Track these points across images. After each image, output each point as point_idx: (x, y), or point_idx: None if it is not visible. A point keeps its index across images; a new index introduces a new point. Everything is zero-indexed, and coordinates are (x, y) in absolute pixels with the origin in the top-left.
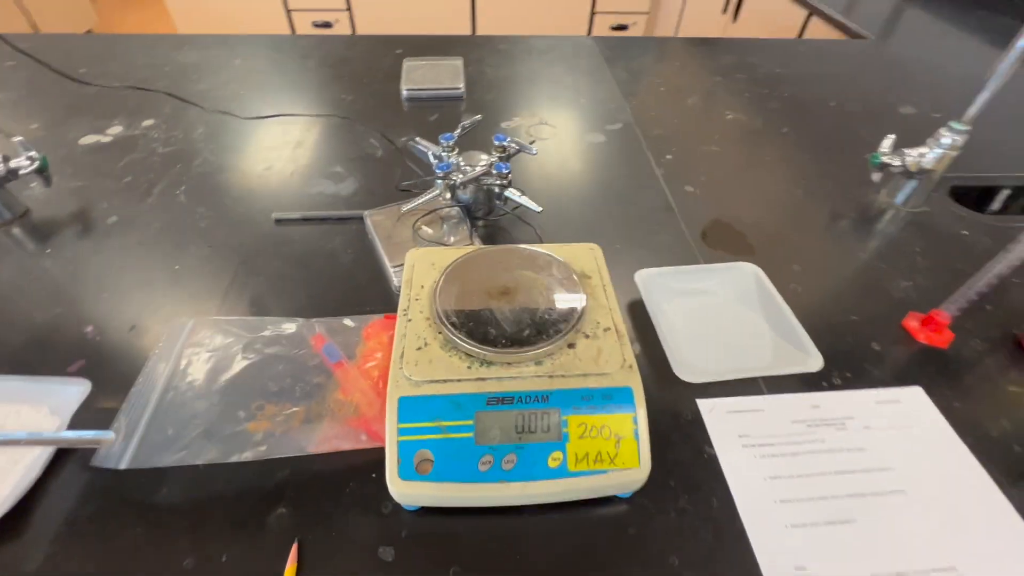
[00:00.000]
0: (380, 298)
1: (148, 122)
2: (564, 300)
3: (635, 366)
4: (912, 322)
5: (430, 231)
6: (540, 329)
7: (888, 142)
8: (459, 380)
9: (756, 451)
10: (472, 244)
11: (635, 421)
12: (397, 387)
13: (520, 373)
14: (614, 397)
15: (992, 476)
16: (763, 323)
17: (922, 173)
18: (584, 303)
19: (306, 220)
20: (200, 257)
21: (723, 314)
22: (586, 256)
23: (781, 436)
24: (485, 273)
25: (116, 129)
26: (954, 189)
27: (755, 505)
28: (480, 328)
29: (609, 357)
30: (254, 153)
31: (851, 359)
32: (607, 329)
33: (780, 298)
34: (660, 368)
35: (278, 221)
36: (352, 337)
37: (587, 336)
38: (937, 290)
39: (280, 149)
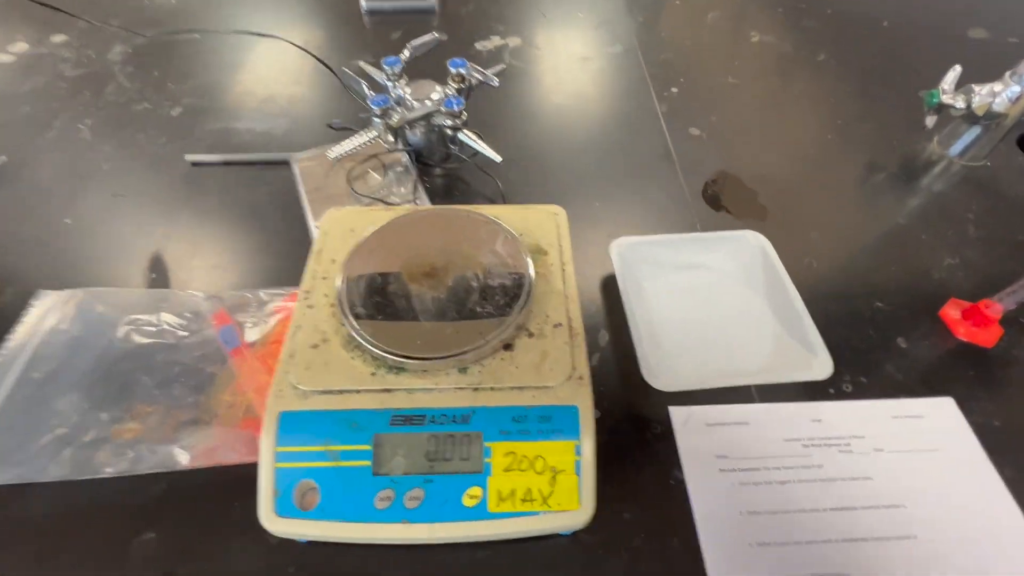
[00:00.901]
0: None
1: (59, 38)
2: (504, 286)
3: (587, 377)
4: (952, 312)
5: (370, 182)
6: (469, 325)
7: (952, 76)
8: (359, 391)
9: (735, 477)
10: (415, 201)
11: (578, 451)
12: (279, 398)
13: (437, 383)
14: (554, 419)
15: None
16: (766, 310)
17: (990, 118)
18: (530, 290)
19: (227, 164)
20: (98, 208)
21: (717, 297)
22: (546, 223)
23: (769, 458)
24: (410, 246)
25: (20, 47)
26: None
27: (725, 549)
28: (392, 322)
29: (555, 364)
30: (178, 80)
31: (869, 359)
32: (558, 325)
33: (788, 279)
34: (630, 365)
35: (195, 164)
36: (266, 316)
37: (531, 335)
38: (990, 271)
39: (209, 74)
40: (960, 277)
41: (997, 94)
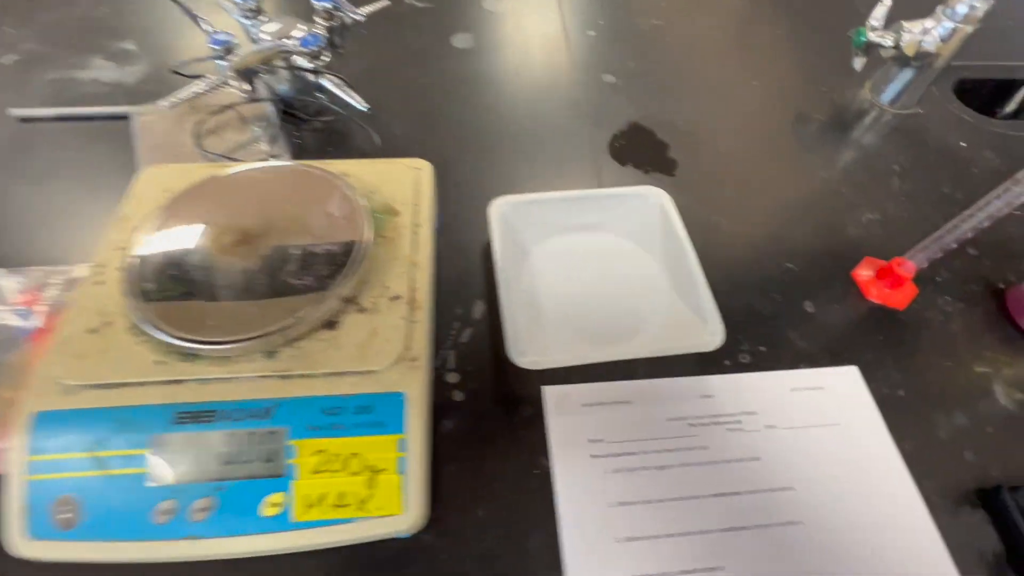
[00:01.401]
0: None
1: None
2: (331, 253)
3: (423, 358)
4: (865, 272)
5: (227, 139)
6: (282, 302)
7: (881, 11)
8: (140, 384)
9: (608, 464)
10: (272, 158)
11: (402, 447)
12: (37, 395)
13: (237, 372)
14: (376, 409)
15: (927, 499)
16: (661, 275)
17: (921, 58)
18: (361, 257)
19: (61, 120)
20: None
21: (610, 262)
22: (404, 179)
23: (649, 441)
24: (225, 210)
25: None
26: (961, 84)
27: (588, 546)
28: (188, 301)
29: (385, 344)
30: (16, 13)
31: (772, 326)
32: (396, 298)
33: (687, 240)
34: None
35: (23, 120)
36: None
37: (362, 310)
38: (911, 227)
39: (49, 11)
40: (879, 234)
41: (928, 31)
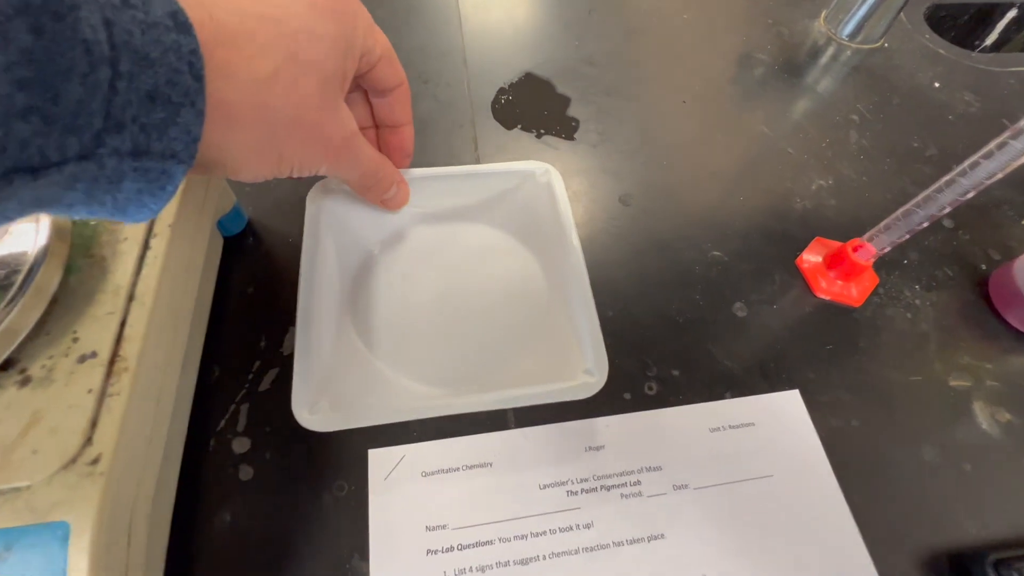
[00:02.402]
0: None
1: None
2: None
3: (109, 459)
4: (812, 259)
5: None
6: None
7: None
8: None
9: (450, 562)
10: None
11: None
12: None
13: None
14: (15, 550)
15: (886, 574)
16: (538, 281)
17: None
18: (36, 285)
19: None
20: None
21: (473, 266)
22: None
23: (511, 522)
24: None
25: None
26: (935, 11)
27: None
28: None
29: (49, 439)
30: None
31: (688, 340)
32: (87, 357)
33: (573, 231)
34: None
35: None
36: None
37: (25, 380)
38: (873, 193)
39: None
40: (831, 207)
41: None
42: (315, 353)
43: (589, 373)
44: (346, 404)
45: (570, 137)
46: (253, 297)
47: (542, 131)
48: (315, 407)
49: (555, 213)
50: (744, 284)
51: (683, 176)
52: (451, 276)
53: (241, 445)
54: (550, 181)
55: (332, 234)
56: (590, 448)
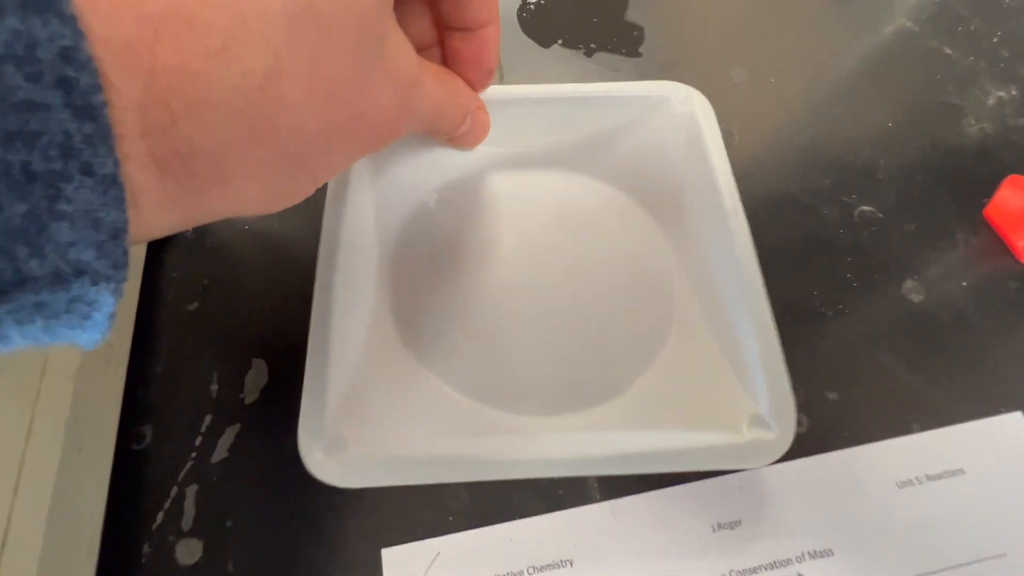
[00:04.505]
0: None
1: None
2: None
3: None
4: (1005, 207)
5: None
6: None
7: None
8: None
9: None
10: None
11: None
12: None
13: None
14: None
15: None
16: (670, 262)
17: None
18: None
19: None
20: None
21: (575, 235)
22: None
23: None
24: None
25: None
26: None
27: None
28: None
29: None
30: None
31: (839, 341)
32: None
33: (731, 189)
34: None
35: None
36: None
37: None
38: None
39: None
40: (1019, 127)
41: None
42: (335, 360)
43: (762, 425)
44: (380, 442)
45: (634, 53)
46: (198, 317)
47: (593, 46)
48: (334, 443)
49: (701, 163)
50: (913, 252)
51: (801, 98)
52: (537, 250)
53: (189, 552)
54: (693, 112)
55: (369, 180)
56: (720, 526)
